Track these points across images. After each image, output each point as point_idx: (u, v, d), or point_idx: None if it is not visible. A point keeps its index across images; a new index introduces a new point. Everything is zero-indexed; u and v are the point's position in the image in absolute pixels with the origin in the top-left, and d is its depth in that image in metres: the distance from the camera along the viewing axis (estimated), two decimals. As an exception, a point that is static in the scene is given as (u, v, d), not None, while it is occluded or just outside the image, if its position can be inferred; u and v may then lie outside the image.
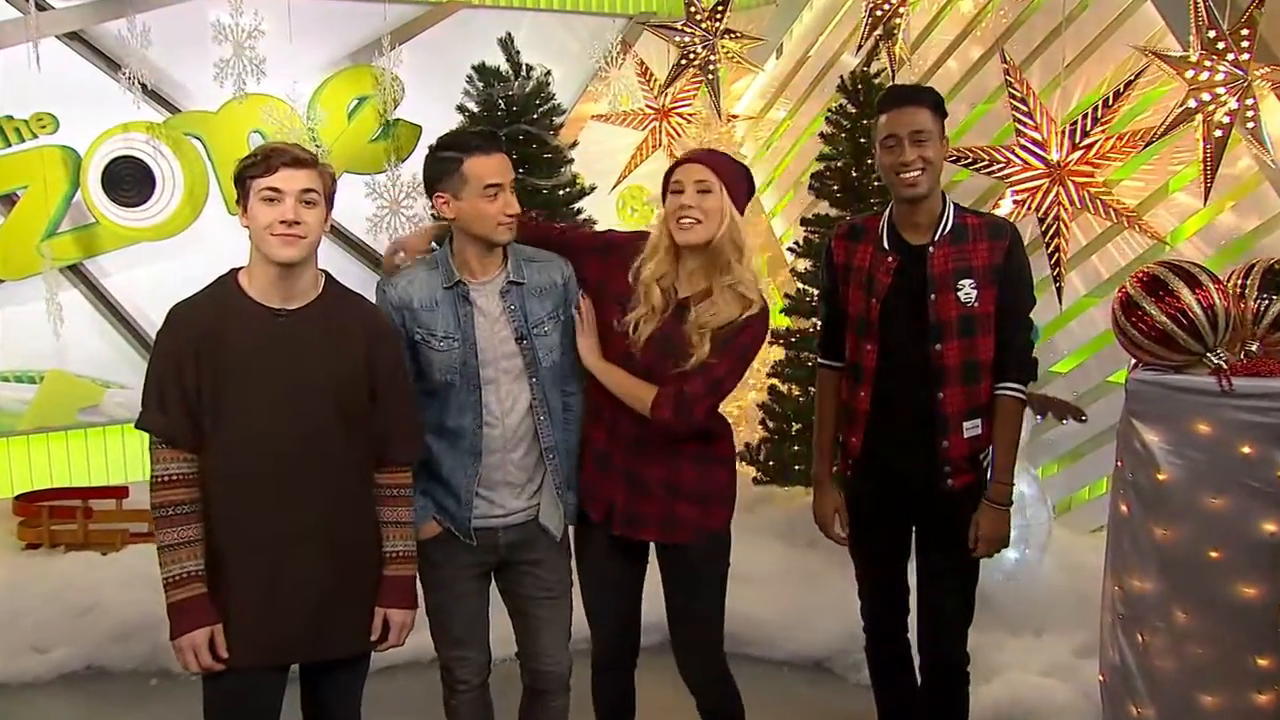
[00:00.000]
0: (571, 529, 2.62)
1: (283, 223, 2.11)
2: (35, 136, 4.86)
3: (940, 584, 2.68)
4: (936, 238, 2.50)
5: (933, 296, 2.47)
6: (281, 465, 2.16)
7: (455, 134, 2.44)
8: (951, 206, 2.55)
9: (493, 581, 2.60)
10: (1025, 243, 4.38)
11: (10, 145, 4.82)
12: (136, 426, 2.17)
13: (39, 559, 4.44)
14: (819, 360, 2.75)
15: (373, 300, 2.40)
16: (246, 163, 2.13)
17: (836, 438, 2.74)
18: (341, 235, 5.68)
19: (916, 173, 2.43)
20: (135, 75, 4.62)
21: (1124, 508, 2.51)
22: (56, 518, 4.56)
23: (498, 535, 2.47)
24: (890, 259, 2.53)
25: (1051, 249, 4.08)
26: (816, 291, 4.11)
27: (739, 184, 2.46)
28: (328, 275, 2.29)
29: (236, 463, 2.15)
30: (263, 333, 2.17)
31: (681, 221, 2.39)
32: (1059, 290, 4.14)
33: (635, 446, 2.49)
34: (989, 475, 2.59)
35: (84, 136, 4.96)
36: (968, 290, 2.47)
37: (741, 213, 2.45)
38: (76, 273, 5.06)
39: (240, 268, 2.24)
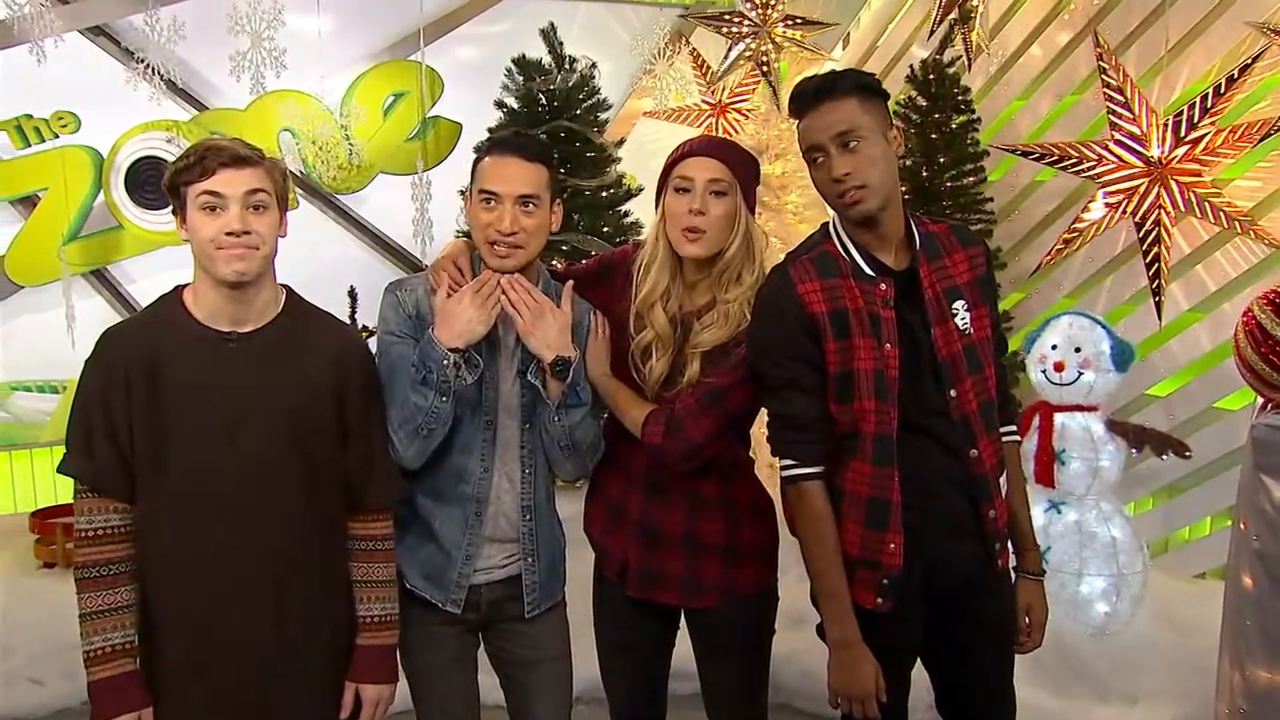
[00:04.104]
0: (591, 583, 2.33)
1: (229, 234, 1.81)
2: (56, 136, 4.69)
3: (1005, 701, 2.13)
4: (915, 254, 1.97)
5: (934, 330, 1.95)
6: (227, 517, 1.86)
7: (502, 131, 2.17)
8: (906, 213, 2.02)
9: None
10: (1119, 249, 4.13)
11: (30, 145, 4.65)
12: (59, 471, 1.89)
13: (50, 581, 4.23)
14: (797, 472, 1.97)
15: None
16: (179, 165, 1.83)
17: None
18: (383, 243, 5.45)
19: (858, 186, 1.86)
20: (158, 69, 4.37)
21: (1248, 580, 2.07)
22: (71, 535, 4.35)
23: (480, 592, 2.17)
24: (882, 286, 1.94)
25: (1150, 258, 3.77)
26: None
27: (752, 177, 2.13)
28: (289, 291, 2.00)
29: (174, 514, 1.86)
30: (208, 360, 1.88)
31: (688, 233, 2.05)
32: (1158, 305, 3.82)
33: (652, 492, 2.17)
34: (1009, 544, 2.08)
35: (107, 136, 4.79)
36: (962, 314, 1.97)
37: (754, 208, 2.13)
38: (100, 278, 4.90)
39: (186, 284, 1.93)
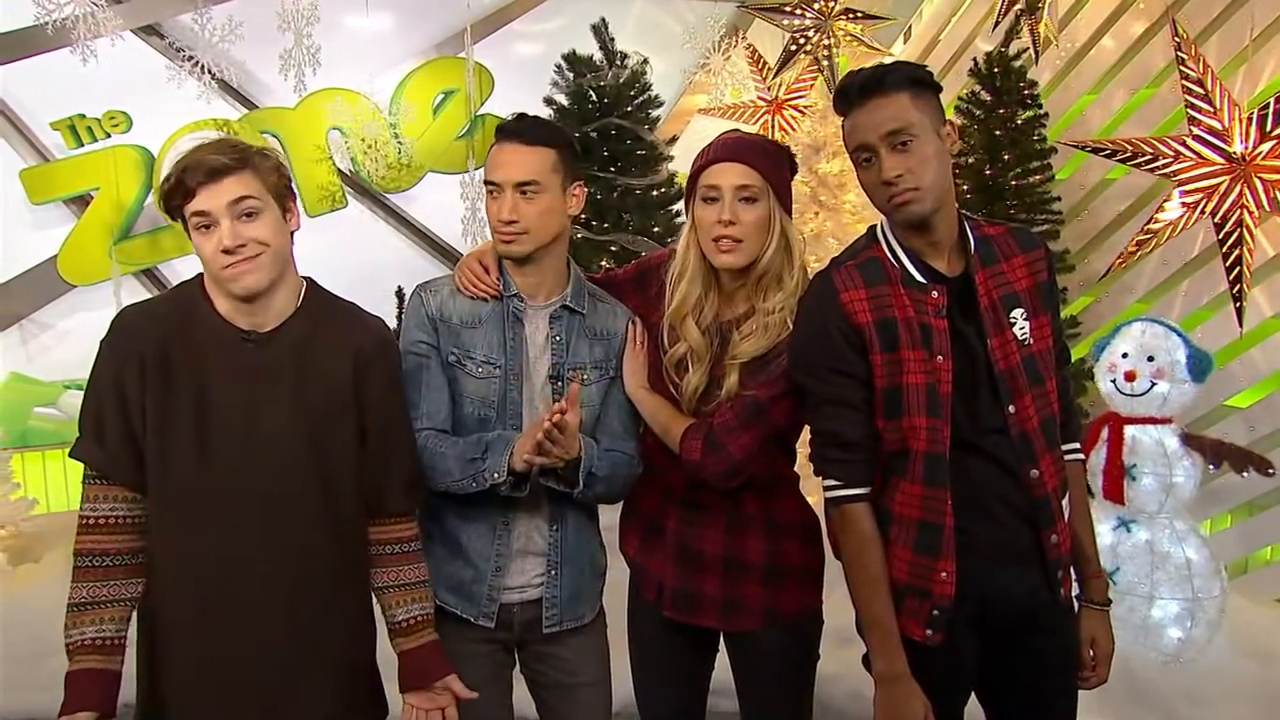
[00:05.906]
0: (626, 603, 2.24)
1: (224, 252, 1.74)
2: (108, 135, 4.74)
3: None
4: (969, 259, 1.83)
5: (991, 340, 1.81)
6: (240, 517, 1.79)
7: (509, 119, 2.10)
8: (960, 216, 1.88)
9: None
10: (1197, 251, 3.92)
11: (82, 145, 4.69)
12: (71, 455, 1.82)
13: (94, 579, 4.24)
14: (841, 493, 1.85)
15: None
16: (164, 189, 1.77)
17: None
18: (432, 242, 5.43)
19: (912, 188, 1.73)
20: (209, 68, 4.38)
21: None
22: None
23: (513, 611, 2.09)
24: (935, 294, 1.80)
25: (1231, 260, 3.55)
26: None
27: (785, 176, 1.99)
28: (310, 283, 1.93)
29: (185, 512, 1.79)
30: (225, 357, 1.81)
31: (720, 242, 1.94)
32: (1239, 310, 3.60)
33: (690, 510, 2.07)
34: (1072, 571, 1.94)
35: (159, 135, 4.83)
36: (1021, 323, 1.83)
37: (790, 208, 2.00)
38: (151, 277, 4.95)
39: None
